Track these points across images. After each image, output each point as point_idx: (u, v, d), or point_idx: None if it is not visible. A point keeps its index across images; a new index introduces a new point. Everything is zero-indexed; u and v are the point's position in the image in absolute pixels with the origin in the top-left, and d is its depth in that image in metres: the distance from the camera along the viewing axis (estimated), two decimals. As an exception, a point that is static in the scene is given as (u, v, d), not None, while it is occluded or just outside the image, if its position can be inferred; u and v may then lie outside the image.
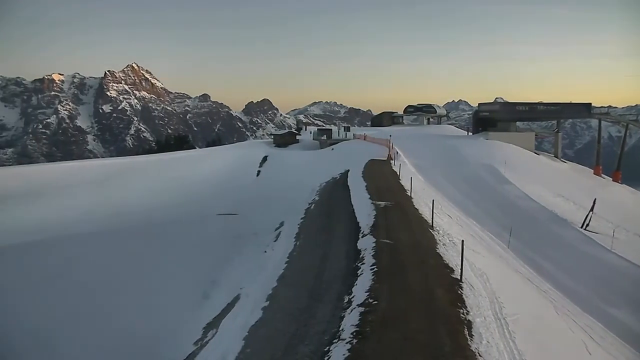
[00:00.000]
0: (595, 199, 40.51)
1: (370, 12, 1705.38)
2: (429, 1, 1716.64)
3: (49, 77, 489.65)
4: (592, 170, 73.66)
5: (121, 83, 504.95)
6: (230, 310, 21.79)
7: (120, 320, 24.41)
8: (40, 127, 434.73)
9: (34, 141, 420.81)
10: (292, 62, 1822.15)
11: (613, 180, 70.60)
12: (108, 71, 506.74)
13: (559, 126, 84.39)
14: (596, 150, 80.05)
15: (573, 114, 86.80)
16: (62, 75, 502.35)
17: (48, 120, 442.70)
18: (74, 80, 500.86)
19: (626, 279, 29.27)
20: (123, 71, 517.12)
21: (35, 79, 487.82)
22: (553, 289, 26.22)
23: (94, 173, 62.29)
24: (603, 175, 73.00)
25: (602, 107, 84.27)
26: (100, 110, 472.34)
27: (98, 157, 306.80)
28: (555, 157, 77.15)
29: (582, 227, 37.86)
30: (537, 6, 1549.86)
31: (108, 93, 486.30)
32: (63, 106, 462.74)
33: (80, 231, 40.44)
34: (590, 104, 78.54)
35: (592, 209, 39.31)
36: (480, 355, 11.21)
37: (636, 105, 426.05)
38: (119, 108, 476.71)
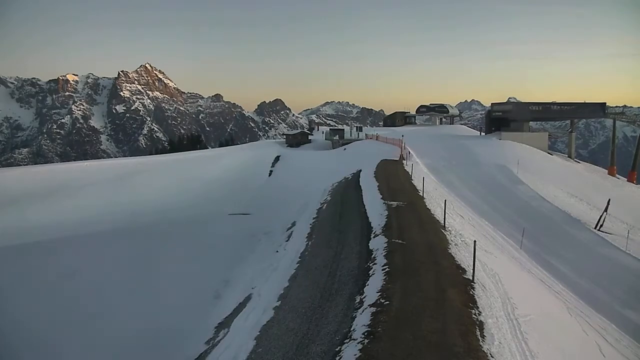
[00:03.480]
0: (609, 200, 40.13)
1: (384, 12, 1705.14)
2: (442, 1, 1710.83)
3: (63, 77, 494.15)
4: (607, 171, 73.02)
5: (134, 83, 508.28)
6: (242, 309, 21.84)
7: (133, 319, 24.58)
8: (55, 127, 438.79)
9: (48, 141, 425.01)
10: (305, 63, 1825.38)
11: (628, 181, 69.87)
12: (121, 71, 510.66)
13: (573, 126, 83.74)
14: (610, 150, 79.35)
15: (587, 113, 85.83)
16: (77, 75, 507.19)
17: (62, 121, 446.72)
18: (88, 80, 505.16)
19: (641, 280, 28.96)
20: (136, 71, 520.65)
21: (50, 80, 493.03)
22: (566, 290, 26.03)
23: (108, 173, 62.71)
24: (618, 175, 72.30)
25: (617, 106, 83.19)
26: (114, 111, 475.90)
27: (112, 157, 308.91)
28: (568, 157, 76.58)
29: (595, 227, 37.54)
30: (551, 5, 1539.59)
31: (121, 93, 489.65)
32: (77, 106, 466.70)
33: (95, 230, 40.78)
34: (605, 103, 77.69)
35: (606, 210, 38.97)
36: (492, 356, 11.17)
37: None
38: (132, 108, 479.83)
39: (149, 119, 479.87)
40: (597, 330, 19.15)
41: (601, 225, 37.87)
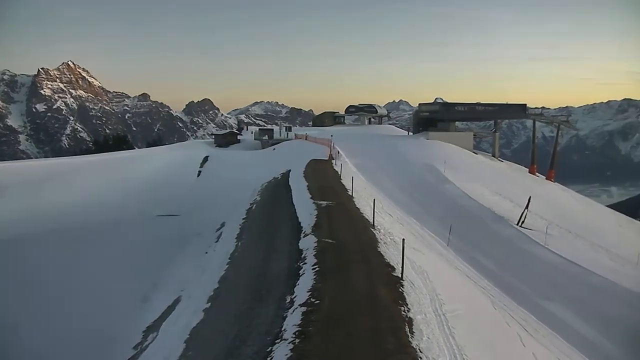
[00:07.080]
0: (530, 197, 41.75)
1: (311, 11, 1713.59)
2: (369, 3, 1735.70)
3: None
4: (528, 169, 76.03)
5: (56, 81, 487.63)
6: (171, 312, 21.45)
7: (56, 324, 23.69)
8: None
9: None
10: (234, 62, 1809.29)
11: (547, 179, 73.10)
12: (42, 69, 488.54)
13: (497, 126, 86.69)
14: (531, 149, 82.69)
15: (510, 114, 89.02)
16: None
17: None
18: (4, 77, 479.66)
19: (558, 273, 30.41)
20: (58, 69, 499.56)
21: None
22: (491, 285, 26.92)
23: (30, 174, 60.03)
24: (538, 174, 75.47)
25: (536, 107, 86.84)
26: (34, 109, 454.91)
27: (32, 158, 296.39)
28: (493, 156, 79.16)
29: (518, 224, 39.01)
30: (473, 10, 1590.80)
31: (42, 91, 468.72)
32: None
33: (18, 233, 38.94)
34: (526, 105, 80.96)
35: (527, 207, 40.51)
36: (421, 352, 11.37)
37: (567, 106, 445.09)
38: (54, 107, 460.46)
39: (72, 118, 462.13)
40: (519, 322, 19.89)
41: (523, 222, 39.40)
